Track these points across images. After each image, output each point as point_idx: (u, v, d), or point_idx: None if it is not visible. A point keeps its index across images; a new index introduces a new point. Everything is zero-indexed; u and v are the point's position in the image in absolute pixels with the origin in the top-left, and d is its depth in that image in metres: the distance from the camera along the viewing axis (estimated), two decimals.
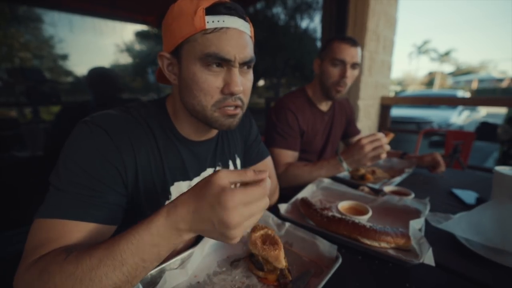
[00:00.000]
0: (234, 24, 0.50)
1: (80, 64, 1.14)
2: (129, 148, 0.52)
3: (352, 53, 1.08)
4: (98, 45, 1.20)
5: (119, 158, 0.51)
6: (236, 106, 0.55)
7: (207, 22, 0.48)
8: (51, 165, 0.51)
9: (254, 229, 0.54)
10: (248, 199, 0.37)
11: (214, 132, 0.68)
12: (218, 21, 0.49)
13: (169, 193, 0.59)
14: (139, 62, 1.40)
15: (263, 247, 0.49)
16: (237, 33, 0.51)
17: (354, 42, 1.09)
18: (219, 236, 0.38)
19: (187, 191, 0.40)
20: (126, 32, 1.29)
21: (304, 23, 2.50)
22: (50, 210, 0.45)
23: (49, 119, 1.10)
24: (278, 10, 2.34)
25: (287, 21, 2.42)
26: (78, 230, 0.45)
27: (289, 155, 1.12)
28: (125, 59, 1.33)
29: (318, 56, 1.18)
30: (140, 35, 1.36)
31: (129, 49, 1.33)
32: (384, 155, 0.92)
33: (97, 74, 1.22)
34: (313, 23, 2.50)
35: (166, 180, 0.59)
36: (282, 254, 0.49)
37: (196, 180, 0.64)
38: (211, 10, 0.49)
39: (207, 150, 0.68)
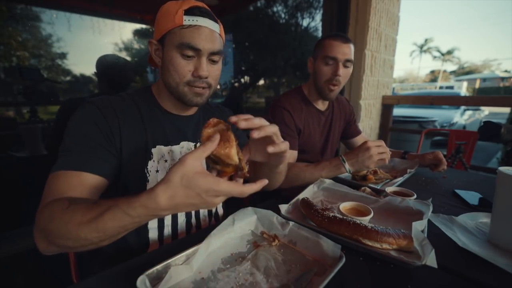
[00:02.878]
0: (205, 23, 0.64)
1: (78, 63, 1.14)
2: (113, 117, 0.65)
3: (344, 50, 1.08)
4: (97, 44, 1.20)
5: (106, 124, 0.63)
6: (203, 88, 0.69)
7: (184, 20, 0.63)
8: (49, 164, 0.57)
9: (207, 125, 0.50)
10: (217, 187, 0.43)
11: (193, 110, 0.80)
12: (192, 20, 0.63)
13: (150, 153, 0.69)
14: (137, 61, 1.40)
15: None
16: (207, 30, 0.65)
17: (345, 39, 1.08)
18: (201, 207, 0.45)
19: (161, 181, 0.42)
20: (125, 31, 1.29)
21: (305, 22, 2.49)
22: (58, 165, 0.58)
23: (47, 118, 1.10)
24: (279, 8, 2.33)
25: (288, 20, 2.40)
26: (78, 179, 0.56)
27: (288, 154, 1.11)
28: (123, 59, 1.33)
29: (312, 55, 1.18)
30: (138, 33, 1.36)
31: (127, 48, 1.32)
32: (387, 160, 0.94)
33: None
34: (314, 21, 2.48)
35: (148, 143, 0.69)
36: (233, 151, 0.47)
37: (176, 147, 0.74)
38: (189, 11, 0.63)
39: (188, 125, 0.79)
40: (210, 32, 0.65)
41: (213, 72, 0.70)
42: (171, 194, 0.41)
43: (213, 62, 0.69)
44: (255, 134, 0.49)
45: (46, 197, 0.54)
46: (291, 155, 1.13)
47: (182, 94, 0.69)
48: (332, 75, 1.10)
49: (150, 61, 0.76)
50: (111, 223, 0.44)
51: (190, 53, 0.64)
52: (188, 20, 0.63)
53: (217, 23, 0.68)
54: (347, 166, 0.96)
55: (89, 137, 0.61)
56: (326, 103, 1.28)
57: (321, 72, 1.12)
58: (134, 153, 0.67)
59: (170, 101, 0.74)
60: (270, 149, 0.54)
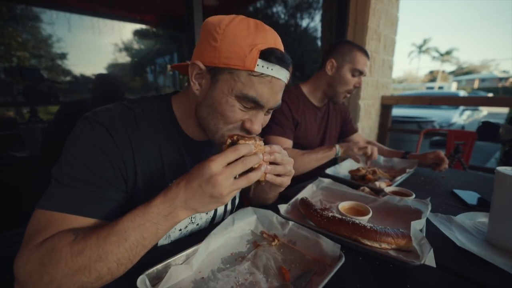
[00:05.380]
0: (280, 75, 0.53)
1: (78, 63, 1.14)
2: (127, 146, 0.53)
3: (366, 66, 1.20)
4: (97, 45, 1.20)
5: (119, 155, 0.52)
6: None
7: (257, 65, 0.50)
8: (48, 164, 0.51)
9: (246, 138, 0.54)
10: (230, 170, 0.44)
11: None
12: (267, 68, 0.51)
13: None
14: (138, 62, 1.40)
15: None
16: (278, 84, 0.54)
17: (368, 55, 1.22)
18: (212, 205, 0.46)
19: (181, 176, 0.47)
20: (125, 31, 1.29)
21: (304, 22, 2.49)
22: (51, 202, 0.47)
23: (47, 118, 1.10)
24: (278, 9, 2.33)
25: (287, 20, 2.41)
26: (77, 224, 0.47)
27: (285, 143, 1.16)
28: (124, 59, 1.33)
29: (333, 57, 1.20)
30: (138, 34, 1.36)
31: (127, 49, 1.32)
32: (369, 150, 1.09)
33: (102, 79, 1.24)
34: (313, 22, 2.49)
35: (166, 178, 0.60)
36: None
37: None
38: (265, 55, 0.50)
39: (209, 149, 0.69)
40: (281, 85, 0.55)
41: (264, 123, 0.59)
42: (188, 181, 0.45)
43: (268, 112, 0.59)
44: (268, 177, 0.51)
45: (31, 239, 0.44)
46: (288, 144, 1.17)
47: (216, 138, 0.58)
48: (353, 87, 1.21)
49: (176, 67, 0.65)
50: (132, 232, 0.43)
51: (250, 106, 0.54)
52: (262, 66, 0.50)
53: (289, 69, 0.56)
54: (337, 146, 1.08)
55: (95, 171, 0.49)
56: (324, 101, 1.32)
57: (346, 80, 1.19)
58: (151, 187, 0.57)
59: (195, 129, 0.63)
60: (268, 176, 0.51)
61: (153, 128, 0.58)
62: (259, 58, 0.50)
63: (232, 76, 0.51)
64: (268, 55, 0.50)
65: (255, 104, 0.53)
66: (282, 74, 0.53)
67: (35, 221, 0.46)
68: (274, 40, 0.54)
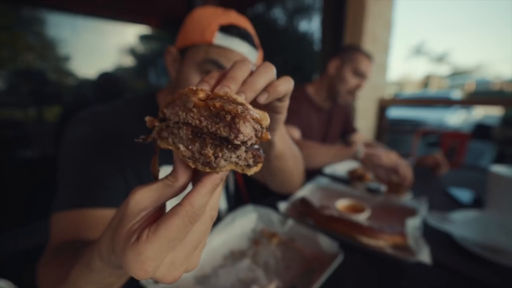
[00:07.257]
0: (240, 48, 0.53)
1: (83, 66, 1.15)
2: (115, 139, 0.56)
3: (371, 71, 1.22)
4: (101, 47, 1.21)
5: (108, 147, 0.55)
6: None
7: (216, 38, 0.51)
8: (53, 165, 0.54)
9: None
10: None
11: None
12: (226, 40, 0.52)
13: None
14: (141, 64, 1.41)
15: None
16: (239, 57, 0.53)
17: (372, 61, 1.24)
18: None
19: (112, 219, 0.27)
20: (128, 34, 1.30)
21: (303, 25, 2.51)
22: (61, 204, 0.49)
23: (52, 120, 1.11)
24: (277, 12, 2.35)
25: (286, 23, 2.43)
26: (88, 216, 0.48)
27: (295, 133, 1.13)
28: (127, 61, 1.34)
29: (338, 57, 1.22)
30: (141, 36, 1.37)
31: (130, 51, 1.33)
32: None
33: (105, 78, 1.24)
34: (312, 25, 2.51)
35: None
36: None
37: None
38: (225, 29, 0.52)
39: None
40: None
41: None
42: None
43: None
44: (262, 100, 0.29)
45: (51, 243, 0.47)
46: (297, 134, 1.13)
47: None
48: (355, 87, 1.21)
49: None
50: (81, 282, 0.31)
51: (211, 68, 0.53)
52: (220, 39, 0.51)
53: (257, 50, 0.57)
54: (360, 149, 0.89)
55: (91, 164, 0.52)
56: (328, 101, 1.32)
57: (347, 79, 1.19)
58: (139, 176, 0.58)
59: None
60: (263, 98, 0.29)
61: (139, 121, 0.60)
62: (219, 31, 0.51)
63: (195, 50, 0.53)
64: (228, 29, 0.52)
65: (216, 67, 0.52)
66: (243, 48, 0.53)
67: (52, 226, 0.49)
68: (239, 20, 0.54)
